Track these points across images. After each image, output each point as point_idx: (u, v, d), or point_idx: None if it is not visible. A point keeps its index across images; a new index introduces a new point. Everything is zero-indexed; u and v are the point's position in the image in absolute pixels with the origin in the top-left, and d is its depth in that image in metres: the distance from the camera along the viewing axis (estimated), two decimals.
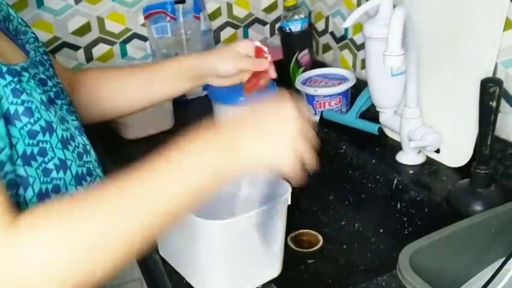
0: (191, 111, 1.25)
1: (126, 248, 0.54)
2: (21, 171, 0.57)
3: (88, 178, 0.65)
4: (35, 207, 0.55)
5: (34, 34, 0.75)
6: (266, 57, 0.85)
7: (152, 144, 1.12)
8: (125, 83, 0.89)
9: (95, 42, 1.26)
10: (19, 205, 0.57)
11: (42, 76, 0.66)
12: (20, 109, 0.58)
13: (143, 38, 1.31)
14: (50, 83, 0.68)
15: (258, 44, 0.86)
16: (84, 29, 1.24)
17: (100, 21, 1.25)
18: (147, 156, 0.57)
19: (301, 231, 0.96)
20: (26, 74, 0.62)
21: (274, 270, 0.78)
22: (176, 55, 1.27)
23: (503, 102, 0.85)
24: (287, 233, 0.79)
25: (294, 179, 0.62)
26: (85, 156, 0.66)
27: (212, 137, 0.59)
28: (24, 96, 0.59)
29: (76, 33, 1.24)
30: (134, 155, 1.08)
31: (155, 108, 0.98)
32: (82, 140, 0.68)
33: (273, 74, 0.84)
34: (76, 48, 1.25)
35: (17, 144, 0.57)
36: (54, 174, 0.60)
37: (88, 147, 0.68)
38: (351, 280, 0.86)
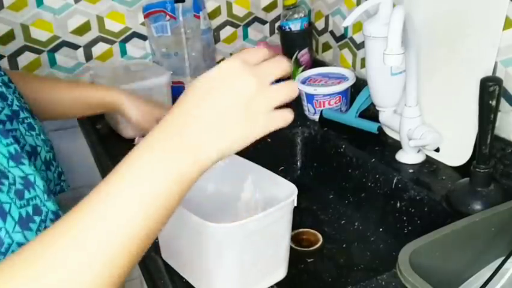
0: None
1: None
2: None
3: (37, 218, 0.52)
4: None
5: None
6: None
7: None
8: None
9: (94, 41, 1.26)
10: None
11: None
12: None
13: (143, 37, 1.30)
14: None
15: None
16: (84, 28, 1.24)
17: (100, 20, 1.25)
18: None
19: (301, 230, 0.96)
20: None
21: (279, 273, 0.76)
22: (176, 54, 1.27)
23: (502, 101, 0.85)
24: None
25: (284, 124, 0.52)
26: (26, 192, 0.52)
27: (166, 137, 0.49)
28: None
29: (76, 32, 1.24)
30: None
31: None
32: (19, 171, 0.53)
33: None
34: (75, 47, 1.25)
35: None
36: None
37: (32, 177, 0.54)
38: (351, 279, 0.86)
